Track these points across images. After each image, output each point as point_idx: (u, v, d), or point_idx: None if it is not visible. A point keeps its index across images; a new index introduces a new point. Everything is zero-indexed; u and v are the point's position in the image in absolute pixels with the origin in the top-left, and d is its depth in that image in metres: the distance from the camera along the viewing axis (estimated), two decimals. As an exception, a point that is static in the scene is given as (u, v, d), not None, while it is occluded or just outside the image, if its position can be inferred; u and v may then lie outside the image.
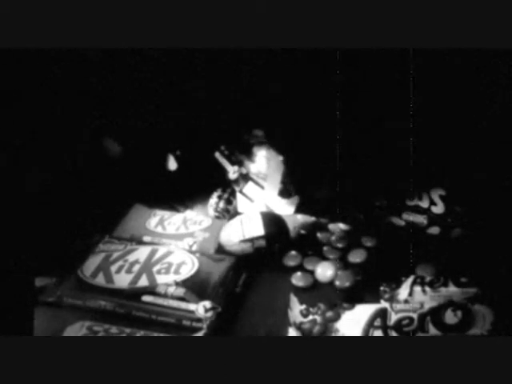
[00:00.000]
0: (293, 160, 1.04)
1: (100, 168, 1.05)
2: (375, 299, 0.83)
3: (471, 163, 0.99)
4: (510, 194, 0.96)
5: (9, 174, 0.68)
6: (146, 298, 0.85)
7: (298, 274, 0.93)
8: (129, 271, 0.89)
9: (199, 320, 0.82)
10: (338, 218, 1.03)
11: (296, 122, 1.04)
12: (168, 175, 1.09)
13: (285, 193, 1.04)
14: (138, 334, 0.79)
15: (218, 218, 1.05)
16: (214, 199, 1.06)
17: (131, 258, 0.91)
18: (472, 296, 0.80)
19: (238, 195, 1.06)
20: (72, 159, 1.02)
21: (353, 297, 0.87)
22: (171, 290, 0.86)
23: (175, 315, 0.83)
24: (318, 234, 1.02)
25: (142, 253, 0.92)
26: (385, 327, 0.78)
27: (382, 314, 0.79)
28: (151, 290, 0.86)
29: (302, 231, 1.02)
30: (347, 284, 0.91)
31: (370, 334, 0.78)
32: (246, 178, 1.06)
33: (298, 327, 0.80)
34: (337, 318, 0.80)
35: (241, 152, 1.07)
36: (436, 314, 0.78)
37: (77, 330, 0.79)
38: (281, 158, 1.05)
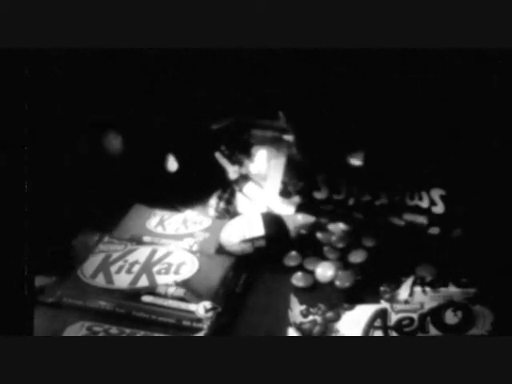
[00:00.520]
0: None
1: (100, 168, 1.05)
2: (375, 299, 0.83)
3: (471, 163, 0.98)
4: (510, 193, 0.96)
5: (9, 174, 0.68)
6: (146, 299, 0.85)
7: (298, 274, 0.93)
8: (129, 271, 0.89)
9: (199, 320, 0.82)
10: (338, 218, 1.03)
11: (296, 122, 1.04)
12: (168, 175, 1.09)
13: (285, 193, 1.04)
14: (138, 335, 0.79)
15: (218, 218, 1.05)
16: (214, 199, 1.06)
17: (131, 258, 0.91)
18: (472, 296, 0.80)
19: (238, 195, 1.06)
20: (72, 159, 1.02)
21: (353, 297, 0.87)
22: (171, 290, 0.86)
23: (175, 315, 0.83)
24: (318, 234, 1.02)
25: (141, 253, 0.92)
26: (385, 327, 0.78)
27: (382, 314, 0.79)
28: (151, 291, 0.86)
29: (302, 231, 1.02)
30: (347, 284, 0.91)
31: (370, 335, 0.78)
32: (245, 178, 1.06)
33: (298, 327, 0.80)
34: (337, 318, 0.80)
35: (241, 152, 1.07)
36: (436, 314, 0.78)
37: (77, 330, 0.79)
38: (283, 158, 1.04)
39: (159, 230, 1.00)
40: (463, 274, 0.84)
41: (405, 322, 0.78)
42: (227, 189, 1.07)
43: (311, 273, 0.93)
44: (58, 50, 0.79)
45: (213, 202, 1.06)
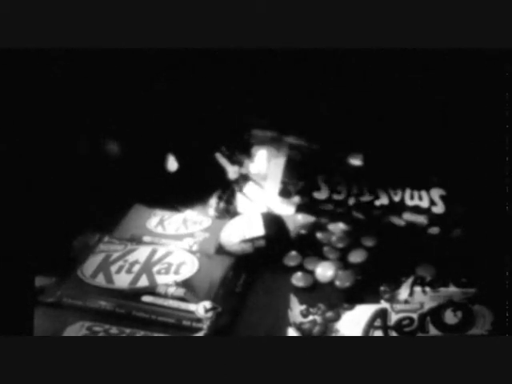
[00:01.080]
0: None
1: (100, 168, 1.05)
2: (375, 299, 0.83)
3: (471, 163, 0.98)
4: (510, 194, 0.96)
5: (9, 173, 0.68)
6: (146, 299, 0.85)
7: (298, 274, 0.93)
8: (129, 271, 0.89)
9: (199, 320, 0.82)
10: (338, 218, 1.03)
11: (296, 122, 1.04)
12: (168, 175, 1.09)
13: (285, 193, 1.04)
14: (138, 335, 0.79)
15: (218, 218, 1.05)
16: (214, 199, 1.06)
17: (131, 258, 0.91)
18: (472, 296, 0.80)
19: (238, 195, 1.06)
20: (72, 159, 1.02)
21: (353, 297, 0.87)
22: (171, 290, 0.86)
23: (175, 315, 0.83)
24: (318, 234, 1.02)
25: (141, 253, 0.92)
26: (385, 327, 0.78)
27: (382, 314, 0.79)
28: (151, 291, 0.86)
29: (302, 231, 1.02)
30: (347, 284, 0.91)
31: (370, 335, 0.78)
32: (245, 178, 1.06)
33: (298, 327, 0.80)
34: (337, 318, 0.80)
35: (241, 152, 1.07)
36: (436, 314, 0.78)
37: (77, 330, 0.79)
38: (283, 158, 1.04)
39: (159, 229, 1.00)
40: (463, 274, 0.84)
41: (405, 322, 0.78)
42: (227, 189, 1.07)
43: (311, 273, 0.93)
44: (57, 50, 0.79)
45: (213, 201, 1.06)
